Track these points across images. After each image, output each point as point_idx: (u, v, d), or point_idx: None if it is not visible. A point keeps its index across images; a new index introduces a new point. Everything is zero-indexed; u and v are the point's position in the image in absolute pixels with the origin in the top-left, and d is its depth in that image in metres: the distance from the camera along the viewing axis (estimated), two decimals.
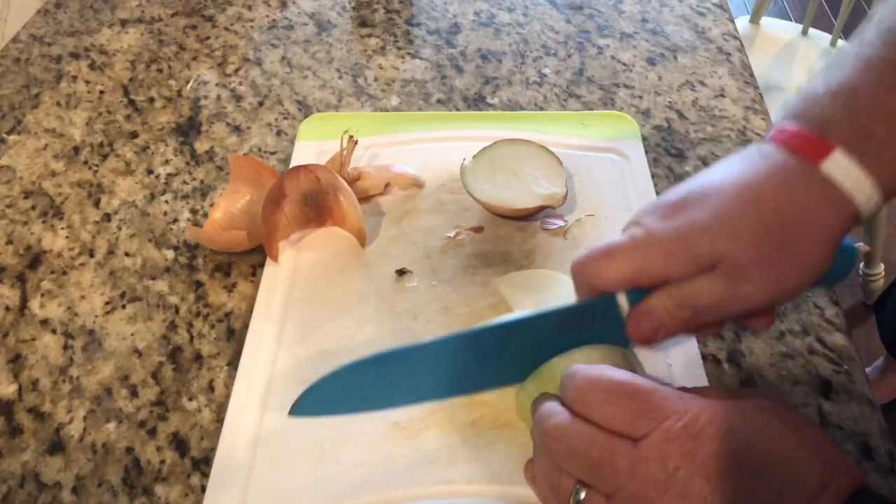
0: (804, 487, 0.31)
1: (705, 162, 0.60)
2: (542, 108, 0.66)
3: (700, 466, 0.31)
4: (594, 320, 0.38)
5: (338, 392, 0.39)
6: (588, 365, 0.36)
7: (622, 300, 0.38)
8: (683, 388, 0.35)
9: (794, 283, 0.35)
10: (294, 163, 0.59)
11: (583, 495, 0.33)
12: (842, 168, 0.34)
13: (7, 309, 0.52)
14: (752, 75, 0.70)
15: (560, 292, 0.48)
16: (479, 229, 0.54)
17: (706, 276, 0.35)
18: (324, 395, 0.39)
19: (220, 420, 0.45)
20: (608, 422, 0.33)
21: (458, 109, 0.66)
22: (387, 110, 0.66)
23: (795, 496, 0.31)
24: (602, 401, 0.34)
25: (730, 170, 0.37)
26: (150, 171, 0.61)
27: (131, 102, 0.68)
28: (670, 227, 0.36)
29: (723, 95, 0.67)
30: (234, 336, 0.49)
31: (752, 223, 0.34)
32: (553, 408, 0.36)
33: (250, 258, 0.54)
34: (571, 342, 0.39)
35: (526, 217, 0.54)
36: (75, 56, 0.74)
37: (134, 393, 0.47)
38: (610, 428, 0.33)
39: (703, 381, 0.45)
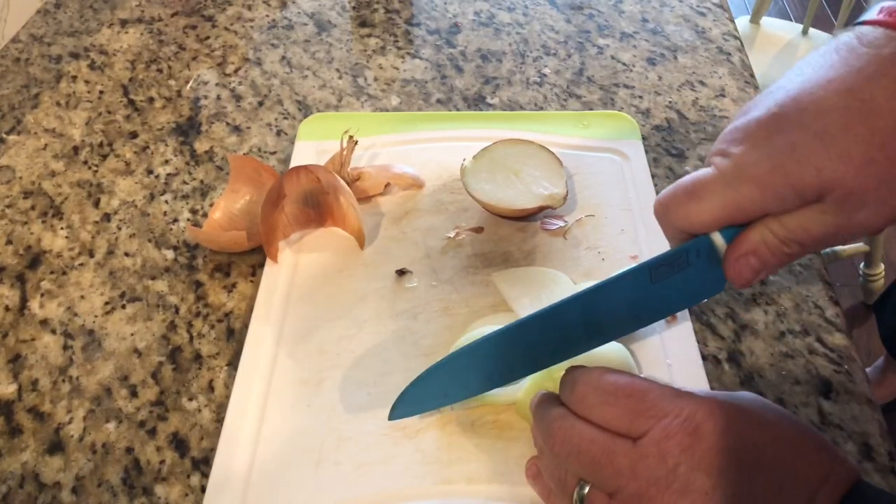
0: (804, 480, 0.31)
1: (705, 162, 0.60)
2: (542, 108, 0.66)
3: (700, 462, 0.31)
4: (689, 264, 0.35)
5: (433, 388, 0.40)
6: (586, 367, 0.36)
7: (718, 239, 0.34)
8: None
9: None
10: (294, 163, 0.59)
11: (586, 490, 0.33)
12: None
13: (7, 309, 0.52)
14: (752, 75, 0.70)
15: (558, 290, 0.48)
16: (479, 229, 0.54)
17: (813, 207, 0.31)
18: (419, 395, 0.40)
19: (220, 420, 0.45)
20: (608, 422, 0.33)
21: (458, 109, 0.66)
22: (387, 110, 0.66)
23: (796, 489, 0.31)
24: (601, 402, 0.34)
25: (827, 70, 0.31)
26: (149, 171, 0.61)
27: (131, 102, 0.68)
28: (764, 156, 0.31)
29: (723, 95, 0.67)
30: (234, 336, 0.49)
31: (863, 141, 0.29)
32: (554, 409, 0.36)
33: (250, 258, 0.54)
34: (667, 293, 0.36)
35: (526, 217, 0.54)
36: (75, 56, 0.74)
37: (134, 393, 0.47)
38: (609, 428, 0.33)
39: (703, 381, 0.45)
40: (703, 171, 0.33)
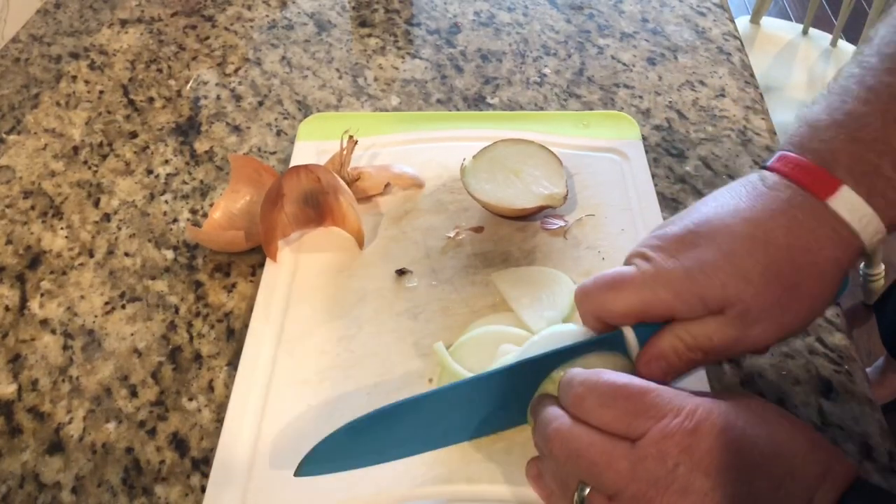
0: (803, 479, 0.31)
1: (705, 162, 0.60)
2: (542, 108, 0.66)
3: (699, 462, 0.31)
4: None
5: (343, 450, 0.39)
6: (585, 370, 0.36)
7: (629, 333, 0.37)
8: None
9: (803, 321, 0.35)
10: (294, 163, 0.59)
11: (587, 492, 0.33)
12: (849, 204, 0.34)
13: (7, 309, 0.52)
14: (752, 75, 0.70)
15: (557, 289, 0.48)
16: (479, 229, 0.54)
17: (715, 318, 0.35)
18: (329, 454, 0.39)
19: (220, 420, 0.45)
20: (606, 424, 0.33)
21: (458, 109, 0.66)
22: (387, 110, 0.66)
23: (795, 488, 0.31)
24: (599, 404, 0.34)
25: (736, 202, 0.36)
26: (149, 171, 0.61)
27: (131, 102, 0.68)
28: (679, 266, 0.35)
29: (723, 95, 0.67)
30: (234, 336, 0.49)
31: (762, 266, 0.34)
32: (553, 412, 0.36)
33: (250, 258, 0.54)
34: None
35: (526, 217, 0.54)
36: (75, 56, 0.74)
37: (134, 393, 0.47)
38: (608, 429, 0.33)
39: (703, 381, 0.45)
40: (625, 269, 0.37)
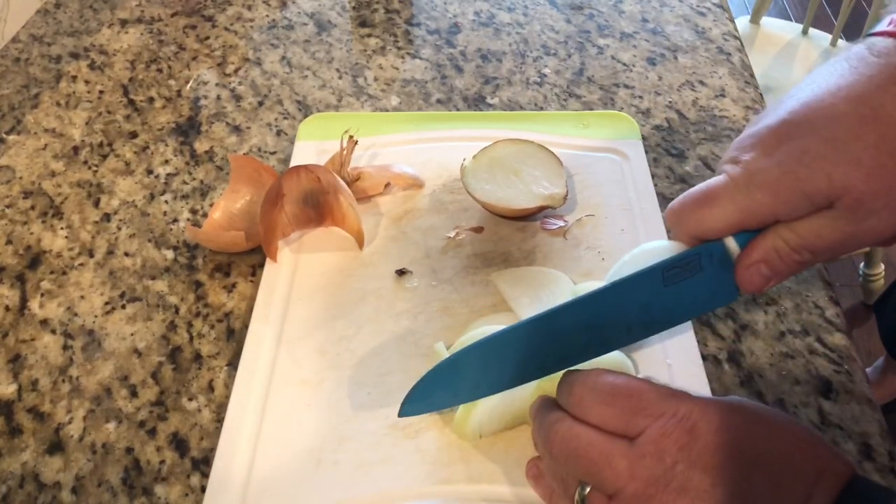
0: (801, 475, 0.31)
1: (705, 162, 0.60)
2: (542, 108, 0.66)
3: (697, 459, 0.31)
4: (701, 269, 0.35)
5: (442, 387, 0.39)
6: (583, 370, 0.36)
7: (731, 244, 0.34)
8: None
9: None
10: (294, 163, 0.59)
11: (587, 490, 0.33)
12: None
13: (7, 309, 0.52)
14: (752, 75, 0.70)
15: (558, 290, 0.48)
16: (479, 229, 0.54)
17: (824, 213, 0.31)
18: (428, 392, 0.39)
19: (220, 420, 0.45)
20: (605, 422, 0.33)
21: (458, 109, 0.66)
22: (387, 110, 0.66)
23: (794, 483, 0.31)
24: (598, 402, 0.34)
25: (838, 77, 0.31)
26: (149, 171, 0.61)
27: (131, 102, 0.68)
28: (775, 163, 0.31)
29: (723, 95, 0.67)
30: (234, 336, 0.49)
31: (873, 146, 0.30)
32: (553, 413, 0.36)
33: (250, 258, 0.54)
34: (679, 299, 0.36)
35: (526, 217, 0.54)
36: (75, 56, 0.74)
37: (134, 393, 0.47)
38: (607, 428, 0.33)
39: (703, 381, 0.45)
40: (715, 179, 0.33)
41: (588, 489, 0.33)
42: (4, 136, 0.65)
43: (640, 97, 0.67)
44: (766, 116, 0.33)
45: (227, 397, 0.45)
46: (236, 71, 0.71)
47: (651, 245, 0.38)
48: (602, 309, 0.37)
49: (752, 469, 0.31)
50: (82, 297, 0.52)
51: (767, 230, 0.33)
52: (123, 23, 0.78)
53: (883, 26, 0.32)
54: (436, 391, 0.39)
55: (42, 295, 0.52)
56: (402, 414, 0.39)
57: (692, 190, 0.34)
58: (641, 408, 0.33)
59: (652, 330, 0.38)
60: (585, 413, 0.34)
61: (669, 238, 0.37)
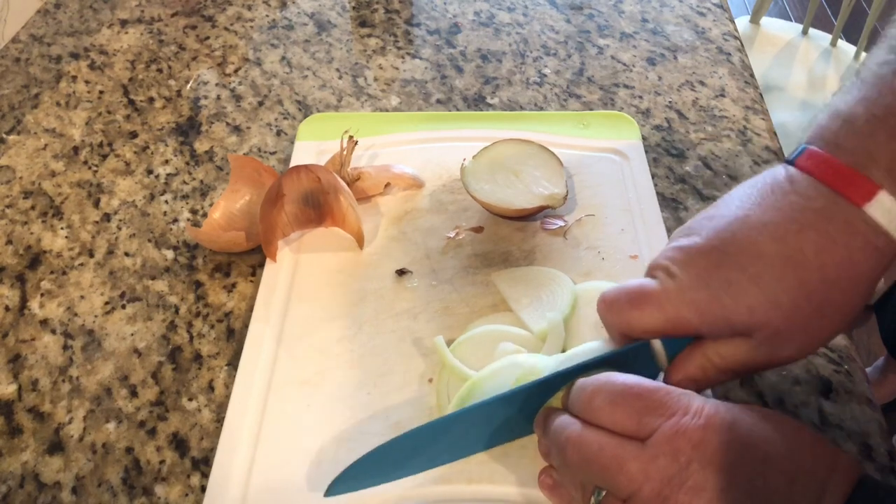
0: (814, 473, 0.31)
1: (705, 162, 0.60)
2: (542, 108, 0.66)
3: (712, 458, 0.31)
4: (627, 365, 0.37)
5: (368, 472, 0.40)
6: (594, 376, 0.36)
7: (657, 346, 0.37)
8: None
9: (834, 332, 0.34)
10: (294, 163, 0.59)
11: (602, 495, 0.33)
12: (887, 211, 0.32)
13: (7, 309, 0.52)
14: (752, 75, 0.70)
15: (557, 289, 0.48)
16: (479, 229, 0.54)
17: (745, 340, 0.34)
18: (357, 476, 0.39)
19: (220, 420, 0.45)
20: (616, 423, 0.33)
21: (458, 109, 0.66)
22: (387, 110, 0.66)
23: (808, 481, 0.31)
24: (608, 403, 0.34)
25: (762, 213, 0.34)
26: (149, 171, 0.61)
27: (131, 102, 0.68)
28: (703, 286, 0.34)
29: (723, 95, 0.67)
30: (234, 336, 0.49)
31: (793, 289, 0.33)
32: (564, 420, 0.36)
33: (250, 258, 0.54)
34: None
35: (526, 217, 0.54)
36: (75, 56, 0.74)
37: (134, 393, 0.47)
38: (618, 430, 0.33)
39: None
40: (648, 282, 0.36)
41: (603, 493, 0.33)
42: (4, 136, 0.65)
43: (640, 97, 0.67)
44: (697, 233, 0.35)
45: (227, 397, 0.45)
46: (236, 71, 0.71)
47: (585, 347, 0.40)
48: (530, 400, 0.39)
49: (766, 467, 0.31)
50: (82, 297, 0.52)
51: (693, 345, 0.36)
52: (123, 23, 0.78)
53: (801, 156, 0.34)
54: (361, 476, 0.40)
55: (42, 295, 0.52)
56: (328, 495, 0.39)
57: (625, 287, 0.37)
58: (653, 407, 0.33)
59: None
60: (596, 415, 0.34)
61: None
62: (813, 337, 0.34)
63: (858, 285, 0.33)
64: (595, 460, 0.33)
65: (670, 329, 0.35)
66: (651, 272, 0.37)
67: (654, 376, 0.37)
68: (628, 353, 0.38)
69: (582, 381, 0.36)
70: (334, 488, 0.39)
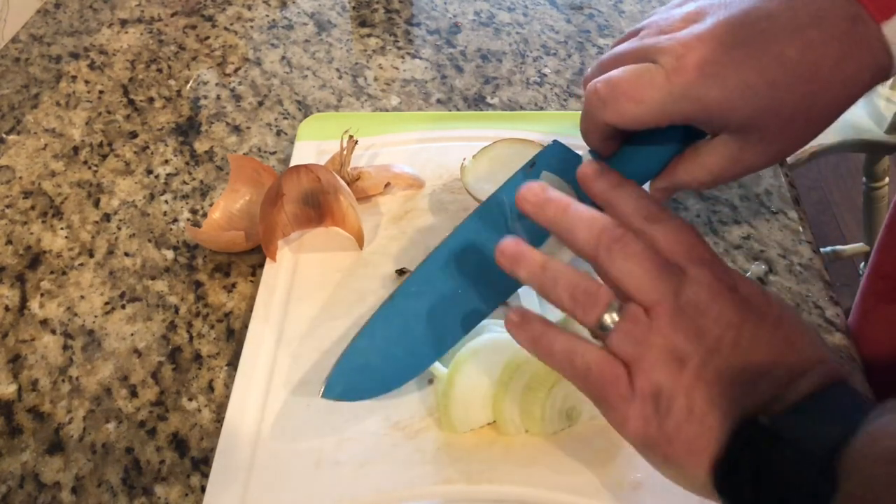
0: (808, 352, 0.33)
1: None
2: (542, 108, 0.66)
3: (739, 302, 0.34)
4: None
5: (368, 368, 0.41)
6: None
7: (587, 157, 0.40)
8: None
9: (805, 142, 0.36)
10: (294, 163, 0.59)
11: (615, 310, 0.34)
12: None
13: (7, 309, 0.52)
14: None
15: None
16: None
17: (730, 138, 0.36)
18: (349, 378, 0.41)
19: (220, 420, 0.45)
20: (668, 243, 0.35)
21: (458, 109, 0.66)
22: (387, 110, 0.66)
23: (800, 355, 0.33)
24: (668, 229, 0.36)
25: (789, 8, 0.34)
26: (149, 171, 0.61)
27: (131, 102, 0.68)
28: (712, 76, 0.34)
29: None
30: (234, 336, 0.49)
31: (802, 95, 0.34)
32: (607, 217, 0.36)
33: (250, 258, 0.54)
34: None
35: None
36: (75, 56, 0.74)
37: (134, 393, 0.47)
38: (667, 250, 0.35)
39: None
40: (650, 74, 0.36)
41: (619, 305, 0.34)
42: (4, 136, 0.65)
43: None
44: (710, 10, 0.36)
45: (227, 397, 0.45)
46: (236, 71, 0.71)
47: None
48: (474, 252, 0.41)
49: (776, 329, 0.34)
50: (82, 297, 0.52)
51: (679, 165, 0.39)
52: (123, 23, 0.78)
53: None
54: (361, 376, 0.41)
55: (42, 295, 0.52)
56: (326, 396, 0.41)
57: (625, 79, 0.36)
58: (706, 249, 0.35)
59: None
60: (650, 225, 0.35)
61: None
62: (794, 140, 0.36)
63: (850, 99, 0.35)
64: (650, 259, 0.34)
65: (665, 121, 0.36)
66: (650, 51, 0.36)
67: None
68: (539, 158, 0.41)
69: (628, 188, 0.37)
70: (331, 389, 0.41)
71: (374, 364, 0.41)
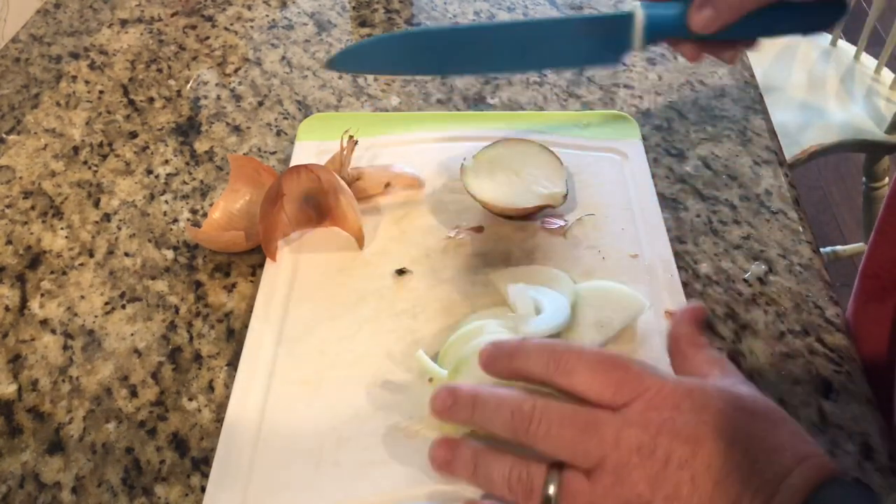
0: (779, 456, 0.32)
1: (705, 162, 0.60)
2: (542, 108, 0.66)
3: (680, 431, 0.32)
4: (608, 34, 0.44)
5: (379, 54, 0.46)
6: (547, 340, 0.37)
7: (639, 22, 0.43)
8: None
9: None
10: (294, 163, 0.59)
11: (554, 485, 0.33)
12: None
13: (7, 309, 0.52)
14: (752, 75, 0.70)
15: (557, 289, 0.48)
16: (479, 229, 0.54)
17: None
18: (362, 56, 0.46)
19: (220, 420, 0.45)
20: (591, 388, 0.34)
21: (458, 109, 0.66)
22: (387, 110, 0.66)
23: (771, 462, 0.32)
24: (587, 369, 0.34)
25: None
26: (149, 171, 0.61)
27: (131, 102, 0.68)
28: None
29: (723, 95, 0.67)
30: (234, 336, 0.49)
31: None
32: (515, 394, 0.35)
33: (250, 258, 0.54)
34: (578, 43, 0.45)
35: (526, 217, 0.54)
36: (75, 56, 0.74)
37: (134, 393, 0.47)
38: (592, 395, 0.34)
39: None
40: None
41: (555, 484, 0.33)
42: (4, 136, 0.65)
43: (640, 97, 0.67)
44: None
45: (227, 397, 0.45)
46: (236, 71, 0.71)
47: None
48: (524, 35, 0.45)
49: (730, 445, 0.32)
50: (82, 297, 0.52)
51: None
52: (123, 23, 0.78)
53: None
54: (372, 57, 0.46)
55: (42, 295, 0.52)
56: (329, 66, 0.46)
57: None
58: (629, 380, 0.33)
59: (541, 64, 0.51)
60: (571, 377, 0.34)
61: None
62: None
63: None
64: (571, 423, 0.33)
65: None
66: None
67: (623, 50, 0.44)
68: (607, 21, 0.44)
69: (551, 345, 0.36)
70: (337, 61, 0.46)
71: (383, 49, 0.46)
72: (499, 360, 0.37)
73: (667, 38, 0.46)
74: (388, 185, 0.57)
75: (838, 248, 1.45)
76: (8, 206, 0.59)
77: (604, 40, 0.44)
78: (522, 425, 0.34)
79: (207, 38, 0.76)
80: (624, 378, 0.34)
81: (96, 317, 0.51)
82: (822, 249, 1.41)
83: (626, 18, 0.43)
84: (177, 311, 0.51)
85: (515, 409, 0.35)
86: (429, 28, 0.48)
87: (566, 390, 0.34)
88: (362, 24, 0.77)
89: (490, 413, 0.36)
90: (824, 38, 1.44)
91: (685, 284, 0.50)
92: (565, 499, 0.33)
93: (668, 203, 0.57)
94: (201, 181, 0.60)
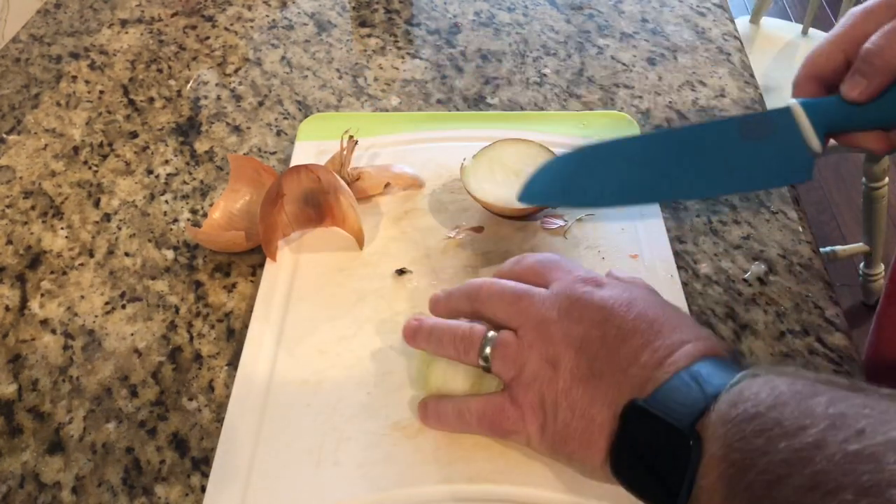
0: (682, 330, 0.37)
1: None
2: (542, 108, 0.66)
3: (591, 303, 0.39)
4: (774, 130, 0.43)
5: (564, 180, 0.47)
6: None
7: (797, 107, 0.42)
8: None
9: None
10: (294, 163, 0.59)
11: (491, 337, 0.39)
12: None
13: (7, 309, 0.52)
14: (752, 75, 0.70)
15: None
16: (479, 229, 0.54)
17: None
18: (549, 182, 0.47)
19: (220, 420, 0.45)
20: (522, 276, 0.42)
21: (458, 109, 0.66)
22: (387, 110, 0.66)
23: (672, 334, 0.36)
24: (528, 265, 0.43)
25: None
26: (149, 171, 0.61)
27: (131, 102, 0.68)
28: None
29: (723, 95, 0.67)
30: (234, 336, 0.49)
31: None
32: (480, 280, 0.43)
33: (250, 258, 0.54)
34: (755, 155, 0.44)
35: (526, 217, 0.54)
36: (75, 56, 0.74)
37: (134, 393, 0.47)
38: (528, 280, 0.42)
39: None
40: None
41: (495, 336, 0.39)
42: (4, 136, 0.65)
43: (640, 97, 0.67)
44: None
45: (227, 397, 0.45)
46: (236, 71, 0.71)
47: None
48: (684, 145, 0.45)
49: (644, 311, 0.38)
50: (82, 297, 0.52)
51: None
52: (123, 23, 0.78)
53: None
54: (557, 184, 0.46)
55: (42, 295, 0.52)
56: (522, 199, 0.48)
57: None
58: (551, 269, 0.42)
59: (728, 186, 0.47)
60: (516, 271, 0.43)
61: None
62: None
63: None
64: (511, 291, 0.40)
65: None
66: None
67: (802, 152, 0.44)
68: (771, 116, 0.43)
69: (466, 284, 0.43)
70: (526, 193, 0.48)
71: (570, 178, 0.47)
72: (438, 304, 0.44)
73: (844, 131, 0.45)
74: (388, 185, 0.57)
75: (838, 248, 1.45)
76: (8, 206, 0.59)
77: (773, 146, 0.43)
78: (483, 294, 0.41)
79: (207, 38, 0.76)
80: (554, 267, 0.42)
81: (96, 317, 0.51)
82: (822, 249, 1.41)
83: (784, 113, 0.42)
84: (177, 311, 0.51)
85: (464, 329, 0.41)
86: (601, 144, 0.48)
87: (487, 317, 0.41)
88: (362, 24, 0.77)
89: (443, 334, 0.42)
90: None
91: (685, 284, 0.50)
92: (496, 349, 0.39)
93: (668, 203, 0.57)
94: (201, 181, 0.60)
